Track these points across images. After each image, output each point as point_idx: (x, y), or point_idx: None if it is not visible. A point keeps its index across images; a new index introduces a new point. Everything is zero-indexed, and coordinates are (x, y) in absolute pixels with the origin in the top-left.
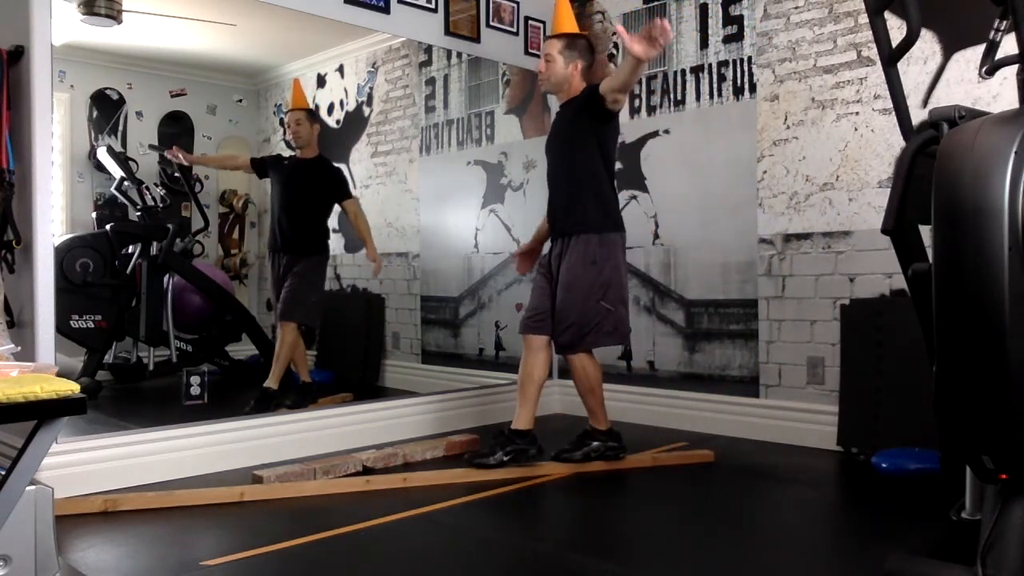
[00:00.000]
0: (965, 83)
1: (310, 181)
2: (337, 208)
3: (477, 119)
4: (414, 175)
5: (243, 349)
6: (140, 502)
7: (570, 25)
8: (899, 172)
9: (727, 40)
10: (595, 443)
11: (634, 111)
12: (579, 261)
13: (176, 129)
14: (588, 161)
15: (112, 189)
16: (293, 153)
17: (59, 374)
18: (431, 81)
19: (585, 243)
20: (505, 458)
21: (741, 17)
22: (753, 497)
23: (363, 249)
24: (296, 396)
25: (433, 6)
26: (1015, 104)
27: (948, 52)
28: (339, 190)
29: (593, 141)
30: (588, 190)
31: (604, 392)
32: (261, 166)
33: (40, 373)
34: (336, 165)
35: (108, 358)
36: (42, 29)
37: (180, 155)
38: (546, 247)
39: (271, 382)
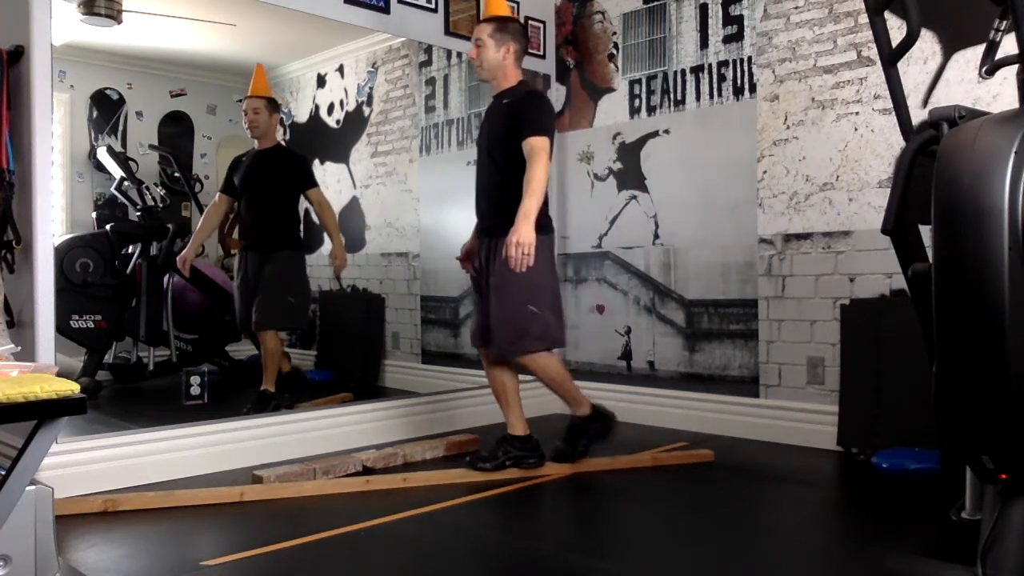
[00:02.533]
0: (965, 83)
1: (270, 171)
2: (336, 205)
3: (477, 119)
4: (414, 175)
5: (243, 349)
6: (140, 502)
7: (500, 8)
8: (899, 172)
9: (727, 40)
10: (583, 439)
11: (634, 111)
12: (507, 263)
13: (176, 129)
14: (519, 161)
15: (112, 189)
16: (249, 149)
17: (59, 374)
18: (431, 81)
19: None
20: (508, 462)
21: (741, 17)
22: (753, 497)
23: (363, 249)
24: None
25: (433, 6)
26: (1015, 104)
27: (948, 52)
28: (301, 179)
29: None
30: (517, 190)
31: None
32: (231, 186)
33: (40, 373)
34: (299, 154)
35: (108, 358)
36: (42, 29)
37: (184, 266)
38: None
39: (267, 385)
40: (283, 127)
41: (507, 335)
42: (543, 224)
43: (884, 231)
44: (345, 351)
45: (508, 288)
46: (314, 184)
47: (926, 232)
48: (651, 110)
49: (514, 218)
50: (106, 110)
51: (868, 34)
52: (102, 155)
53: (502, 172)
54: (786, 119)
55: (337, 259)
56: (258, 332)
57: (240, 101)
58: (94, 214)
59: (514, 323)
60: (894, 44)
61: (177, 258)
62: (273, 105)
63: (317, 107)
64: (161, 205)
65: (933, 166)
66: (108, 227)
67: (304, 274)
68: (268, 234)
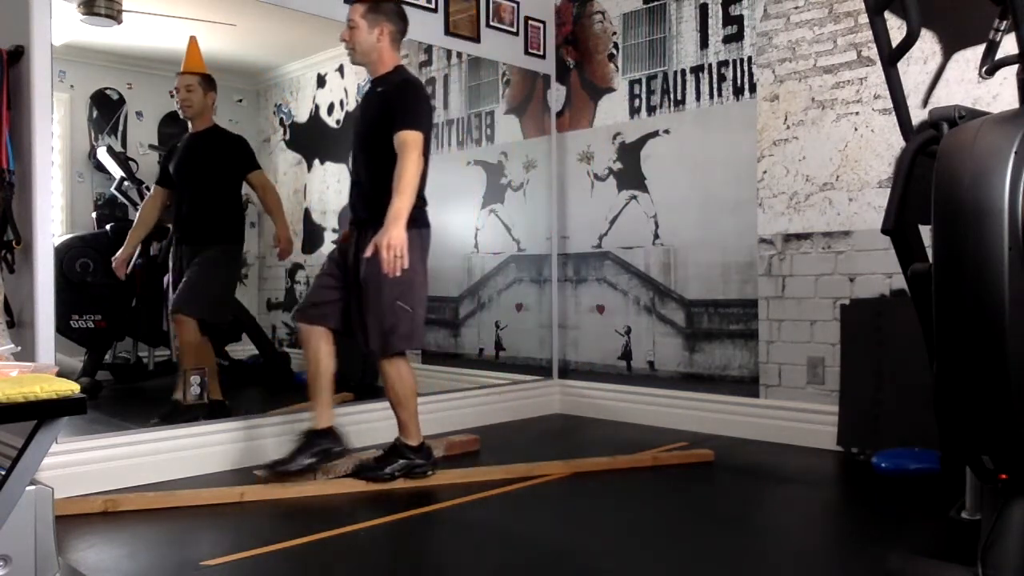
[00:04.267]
0: (965, 83)
1: (205, 155)
2: (336, 206)
3: (477, 119)
4: None
5: (243, 349)
6: (140, 502)
7: None
8: (899, 172)
9: (727, 40)
10: (402, 460)
11: (634, 111)
12: (376, 257)
13: (176, 129)
14: (390, 153)
15: (112, 189)
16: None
17: (59, 374)
18: (431, 81)
19: None
20: (307, 460)
21: (741, 17)
22: (753, 497)
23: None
24: (168, 412)
25: (433, 6)
26: (1015, 104)
27: (948, 52)
28: (242, 161)
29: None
30: (388, 184)
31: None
32: (166, 177)
33: (40, 373)
34: (238, 135)
35: (108, 358)
36: (42, 29)
37: (119, 269)
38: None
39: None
40: (283, 127)
41: (380, 331)
42: (416, 218)
43: (884, 231)
44: (345, 351)
45: (378, 284)
46: (255, 166)
47: (926, 232)
48: (651, 110)
49: (384, 212)
50: (106, 110)
51: (868, 34)
52: (102, 155)
53: (372, 164)
54: (786, 119)
55: (281, 242)
56: (174, 317)
57: (240, 101)
58: (94, 214)
59: (385, 320)
60: (894, 44)
61: (113, 262)
62: (208, 82)
63: (317, 107)
64: None
65: (933, 166)
66: (108, 227)
67: (233, 271)
68: (204, 225)
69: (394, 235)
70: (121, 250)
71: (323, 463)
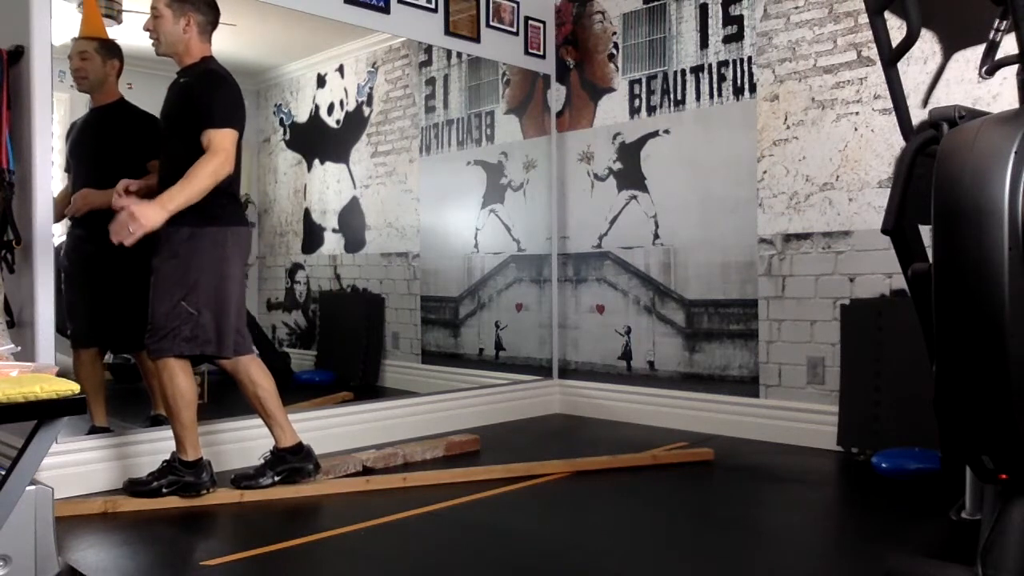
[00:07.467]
0: (965, 83)
1: (105, 134)
2: (336, 205)
3: (477, 119)
4: (414, 175)
5: None
6: (140, 502)
7: None
8: (899, 172)
9: (727, 40)
10: (171, 476)
11: (634, 111)
12: (164, 255)
13: None
14: (191, 152)
15: None
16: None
17: (59, 374)
18: (431, 81)
19: (175, 236)
20: (272, 479)
21: (741, 17)
22: (753, 497)
23: (363, 249)
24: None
25: (433, 6)
26: (1015, 104)
27: (948, 52)
28: (150, 144)
29: (200, 131)
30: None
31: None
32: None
33: (40, 373)
34: (147, 113)
35: (108, 358)
36: (42, 29)
37: None
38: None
39: (157, 410)
40: (283, 127)
41: (154, 332)
42: (216, 216)
43: (884, 231)
44: (345, 351)
45: (159, 281)
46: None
47: (926, 232)
48: (651, 110)
49: (182, 213)
50: None
51: (868, 34)
52: None
53: (173, 161)
54: (786, 119)
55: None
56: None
57: None
58: None
59: (163, 320)
60: (894, 44)
61: None
62: (108, 49)
63: (317, 107)
64: None
65: (933, 166)
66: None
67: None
68: (104, 220)
69: (147, 210)
70: None
71: (290, 480)
